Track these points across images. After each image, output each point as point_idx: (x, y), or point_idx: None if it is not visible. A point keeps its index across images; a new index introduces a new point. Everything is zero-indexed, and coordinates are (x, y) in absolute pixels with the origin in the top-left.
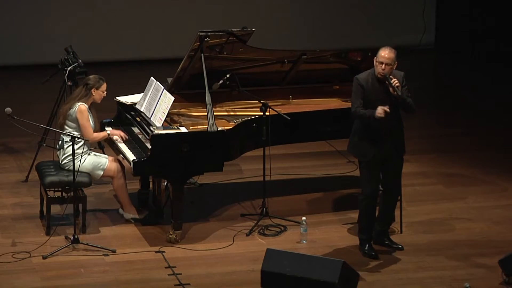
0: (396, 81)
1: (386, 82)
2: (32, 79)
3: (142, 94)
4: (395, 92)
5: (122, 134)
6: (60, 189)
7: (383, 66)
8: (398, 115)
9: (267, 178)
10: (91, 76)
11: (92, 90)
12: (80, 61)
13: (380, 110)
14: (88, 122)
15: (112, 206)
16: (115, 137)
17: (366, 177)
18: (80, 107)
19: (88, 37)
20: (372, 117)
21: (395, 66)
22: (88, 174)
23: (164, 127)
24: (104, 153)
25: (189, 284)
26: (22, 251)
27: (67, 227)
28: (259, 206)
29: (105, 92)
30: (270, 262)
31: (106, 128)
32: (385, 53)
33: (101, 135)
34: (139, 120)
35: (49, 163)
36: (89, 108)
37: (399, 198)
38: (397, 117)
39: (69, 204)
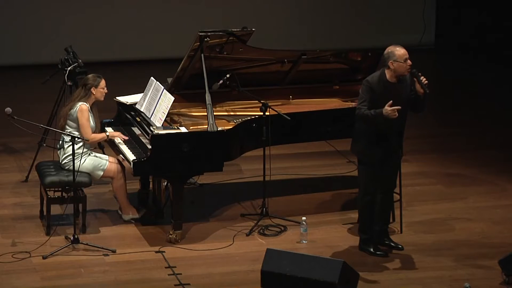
0: (425, 79)
1: (415, 78)
2: (32, 79)
3: (142, 94)
4: (423, 90)
5: (121, 135)
6: (60, 189)
7: (409, 62)
8: (406, 117)
9: (267, 178)
10: (88, 76)
11: (92, 89)
12: (80, 61)
13: (390, 110)
14: (88, 122)
15: (112, 206)
16: (116, 140)
17: (365, 176)
18: (81, 107)
19: (88, 37)
20: (380, 116)
21: None
22: (88, 174)
23: (164, 127)
24: (104, 153)
25: (189, 284)
26: (22, 251)
27: (67, 227)
28: (259, 206)
29: (105, 89)
30: (270, 262)
31: (106, 128)
32: (403, 50)
33: (99, 136)
34: (139, 120)
35: (49, 163)
36: (91, 108)
37: (398, 198)
38: (404, 119)
39: (69, 204)
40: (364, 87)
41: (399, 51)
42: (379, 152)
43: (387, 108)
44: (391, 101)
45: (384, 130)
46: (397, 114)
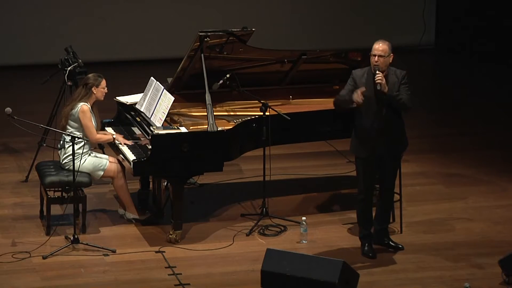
0: (379, 77)
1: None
2: (32, 79)
3: (142, 94)
4: (378, 88)
5: (125, 141)
6: (60, 189)
7: (376, 58)
8: (392, 113)
9: (267, 178)
10: (89, 75)
11: (92, 88)
12: (80, 61)
13: (355, 95)
14: (91, 122)
15: (112, 206)
16: (117, 140)
17: (361, 176)
18: (83, 107)
19: (88, 37)
20: (350, 101)
21: (390, 58)
22: (88, 174)
23: (164, 127)
24: (104, 153)
25: (189, 284)
26: (22, 251)
27: (67, 227)
28: (259, 206)
29: (105, 88)
30: (270, 262)
31: (107, 128)
32: (378, 45)
33: (105, 137)
34: (139, 120)
35: (49, 163)
36: (92, 107)
37: (398, 198)
38: (390, 115)
39: (69, 204)
40: (350, 77)
41: (375, 43)
42: (368, 149)
43: (357, 91)
44: (364, 88)
45: (368, 126)
46: (360, 100)
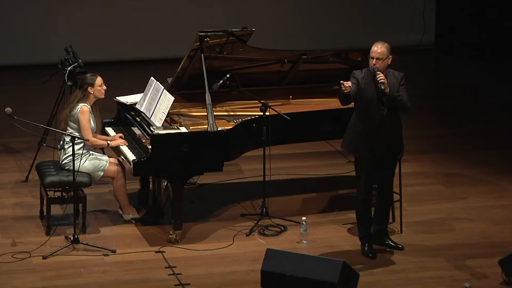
0: (381, 77)
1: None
2: (32, 79)
3: (142, 94)
4: (381, 87)
5: (120, 141)
6: (60, 189)
7: (374, 61)
8: (391, 113)
9: (267, 178)
10: (83, 76)
11: (88, 88)
12: (80, 61)
13: (342, 86)
14: (88, 123)
15: (112, 206)
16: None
17: (359, 175)
18: (82, 108)
19: (88, 37)
20: (342, 92)
21: (388, 60)
22: (88, 174)
23: (164, 127)
24: (104, 154)
25: (189, 284)
26: (22, 251)
27: (67, 227)
28: (259, 206)
29: (103, 86)
30: (270, 262)
31: (107, 129)
32: (376, 48)
33: (99, 142)
34: (139, 120)
35: (49, 163)
36: (91, 108)
37: (398, 198)
38: (390, 116)
39: (69, 204)
40: (351, 77)
41: (373, 46)
42: (366, 148)
43: (343, 83)
44: (349, 82)
45: (367, 125)
46: (347, 89)
